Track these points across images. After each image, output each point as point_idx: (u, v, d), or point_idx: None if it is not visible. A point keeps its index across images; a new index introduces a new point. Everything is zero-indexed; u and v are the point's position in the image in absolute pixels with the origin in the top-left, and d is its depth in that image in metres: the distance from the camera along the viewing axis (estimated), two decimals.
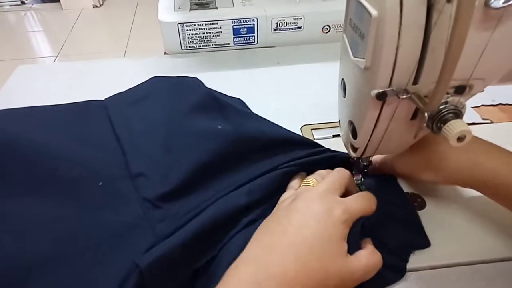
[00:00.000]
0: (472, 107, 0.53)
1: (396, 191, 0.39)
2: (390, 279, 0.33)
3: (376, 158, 0.40)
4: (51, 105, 0.51)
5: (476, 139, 0.34)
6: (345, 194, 0.33)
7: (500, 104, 0.53)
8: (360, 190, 0.38)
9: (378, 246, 0.32)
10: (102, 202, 0.38)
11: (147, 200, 0.38)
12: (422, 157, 0.35)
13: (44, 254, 0.33)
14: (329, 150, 0.41)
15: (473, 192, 0.40)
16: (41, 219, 0.36)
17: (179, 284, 0.31)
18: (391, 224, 0.35)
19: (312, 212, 0.30)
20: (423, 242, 0.35)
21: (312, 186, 0.34)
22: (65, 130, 0.46)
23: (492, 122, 0.50)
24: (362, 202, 0.31)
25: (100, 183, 0.39)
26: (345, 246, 0.29)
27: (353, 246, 0.30)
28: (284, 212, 0.32)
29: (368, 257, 0.30)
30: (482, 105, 0.53)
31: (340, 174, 0.34)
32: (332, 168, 0.36)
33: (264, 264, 0.27)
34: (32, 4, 2.52)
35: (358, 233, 0.31)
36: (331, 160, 0.40)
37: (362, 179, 0.38)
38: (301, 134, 0.48)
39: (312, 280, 0.27)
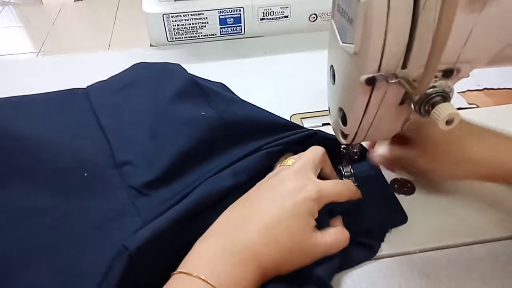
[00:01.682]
0: (458, 92, 0.53)
1: (375, 175, 0.40)
2: (360, 257, 0.34)
3: (381, 153, 0.39)
4: (34, 94, 0.50)
5: (496, 133, 0.34)
6: (324, 179, 0.34)
7: (485, 88, 0.54)
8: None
9: (353, 225, 0.34)
10: (89, 191, 0.38)
11: (133, 188, 0.38)
12: (443, 152, 0.35)
13: (32, 245, 0.33)
14: (313, 130, 0.41)
15: None
16: (29, 211, 0.36)
17: (165, 264, 0.31)
18: (368, 205, 0.36)
19: (283, 189, 0.31)
20: (400, 219, 0.36)
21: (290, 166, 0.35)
22: (50, 120, 0.46)
23: (478, 107, 0.51)
24: (336, 186, 0.33)
25: (86, 174, 0.39)
26: (313, 222, 0.30)
27: (322, 223, 0.31)
28: (257, 189, 0.33)
29: (334, 235, 0.32)
30: (468, 90, 0.54)
31: (314, 152, 0.35)
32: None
33: (231, 234, 0.29)
34: None
35: (326, 212, 0.32)
36: (316, 139, 0.40)
37: (352, 171, 0.38)
38: None
39: (278, 251, 0.28)
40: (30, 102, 0.49)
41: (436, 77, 0.26)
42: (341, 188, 0.33)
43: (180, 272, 0.26)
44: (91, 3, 2.41)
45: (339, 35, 0.28)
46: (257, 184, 0.34)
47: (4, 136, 0.41)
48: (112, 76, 0.53)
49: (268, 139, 0.41)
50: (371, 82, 0.26)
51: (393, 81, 0.26)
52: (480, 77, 0.56)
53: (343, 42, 0.28)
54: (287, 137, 0.40)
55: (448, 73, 0.27)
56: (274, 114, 0.45)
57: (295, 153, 0.38)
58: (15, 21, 2.25)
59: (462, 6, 0.22)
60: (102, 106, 0.48)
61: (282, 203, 0.30)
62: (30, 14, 2.30)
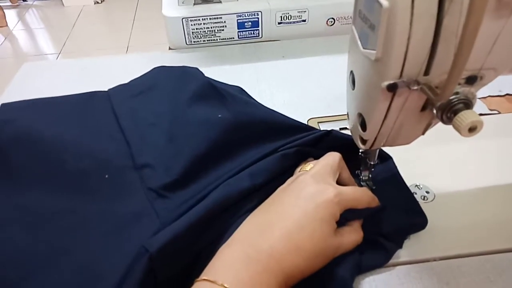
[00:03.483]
0: (479, 98, 0.52)
1: (394, 178, 0.39)
2: (377, 261, 0.33)
3: None
4: (57, 96, 0.52)
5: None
6: (342, 185, 0.34)
7: (507, 94, 0.53)
8: (368, 186, 0.38)
9: (371, 228, 0.34)
10: (109, 193, 0.39)
11: (151, 190, 0.39)
12: None
13: (55, 245, 0.34)
14: (327, 130, 0.41)
15: (482, 183, 0.40)
16: (51, 211, 0.37)
17: (185, 266, 0.32)
18: (387, 209, 0.35)
19: (305, 193, 0.31)
20: (420, 222, 0.35)
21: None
22: (71, 121, 0.47)
23: (499, 113, 0.50)
24: (356, 191, 0.33)
25: (107, 176, 0.40)
26: (334, 225, 0.30)
27: (339, 223, 0.31)
28: (279, 194, 0.33)
29: (349, 233, 0.32)
30: (489, 96, 0.53)
31: (330, 158, 0.35)
32: (335, 149, 0.36)
33: (255, 241, 0.29)
34: (33, 1, 2.52)
35: (344, 218, 0.32)
36: (331, 138, 0.40)
37: (370, 176, 0.38)
38: None
39: (302, 258, 0.28)
40: (52, 105, 0.50)
41: (459, 83, 0.26)
42: (361, 194, 0.33)
43: (204, 279, 0.26)
44: (111, 5, 2.46)
45: (360, 41, 0.28)
46: (278, 189, 0.34)
47: (26, 139, 0.42)
48: (133, 80, 0.54)
49: (283, 141, 0.41)
50: (392, 88, 0.26)
51: (415, 87, 0.25)
52: (502, 82, 0.54)
53: (364, 48, 0.27)
54: (302, 138, 0.40)
55: (471, 80, 0.26)
56: (289, 117, 0.45)
57: (314, 157, 0.38)
58: (37, 23, 2.31)
59: (489, 13, 0.22)
60: (122, 109, 0.49)
61: (304, 207, 0.30)
62: (52, 16, 2.37)
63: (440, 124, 0.27)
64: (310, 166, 0.35)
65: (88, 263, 0.33)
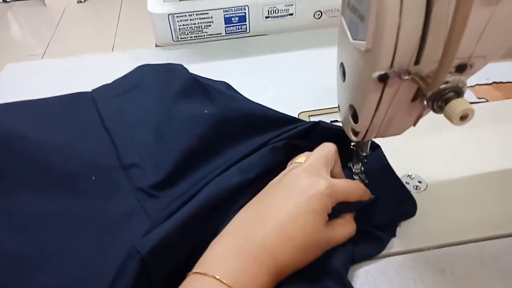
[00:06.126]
0: (467, 87, 0.53)
1: (384, 168, 0.39)
2: (371, 251, 0.34)
3: None
4: (41, 99, 0.50)
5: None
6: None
7: (494, 82, 0.54)
8: (360, 179, 0.38)
9: (364, 220, 0.34)
10: (98, 194, 0.38)
11: (140, 190, 0.38)
12: None
13: (45, 248, 0.33)
14: (314, 121, 0.41)
15: (473, 171, 0.40)
16: (40, 214, 0.36)
17: (178, 266, 0.31)
18: (379, 200, 0.35)
19: (297, 186, 0.31)
20: (410, 209, 0.36)
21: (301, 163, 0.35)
22: (56, 124, 0.46)
23: (487, 101, 0.51)
24: (348, 185, 0.33)
25: (93, 177, 0.39)
26: (326, 217, 0.31)
27: (332, 216, 0.32)
28: (271, 188, 0.33)
29: (342, 226, 0.32)
30: (477, 84, 0.53)
31: (325, 150, 0.35)
32: (324, 141, 0.36)
33: (246, 233, 0.29)
34: (14, 1, 2.46)
35: (336, 211, 0.32)
36: (319, 129, 0.40)
37: (362, 168, 0.38)
38: None
39: (294, 249, 0.28)
40: (36, 107, 0.49)
41: (449, 72, 0.26)
42: (353, 187, 0.33)
43: (195, 272, 0.26)
44: (94, 4, 2.42)
45: (350, 32, 0.28)
46: (270, 183, 0.34)
47: (10, 142, 0.41)
48: (117, 79, 0.54)
49: (272, 135, 0.41)
50: (383, 79, 0.26)
51: (406, 77, 0.25)
52: (489, 70, 0.55)
53: (354, 39, 0.27)
54: (290, 131, 0.40)
55: (461, 68, 0.26)
56: (277, 111, 0.45)
57: (303, 149, 0.38)
58: (19, 23, 2.26)
59: (478, 1, 0.22)
60: (107, 109, 0.48)
61: (296, 200, 0.30)
62: (34, 16, 2.31)
63: (431, 113, 0.27)
64: (302, 158, 0.35)
65: (79, 265, 0.33)
